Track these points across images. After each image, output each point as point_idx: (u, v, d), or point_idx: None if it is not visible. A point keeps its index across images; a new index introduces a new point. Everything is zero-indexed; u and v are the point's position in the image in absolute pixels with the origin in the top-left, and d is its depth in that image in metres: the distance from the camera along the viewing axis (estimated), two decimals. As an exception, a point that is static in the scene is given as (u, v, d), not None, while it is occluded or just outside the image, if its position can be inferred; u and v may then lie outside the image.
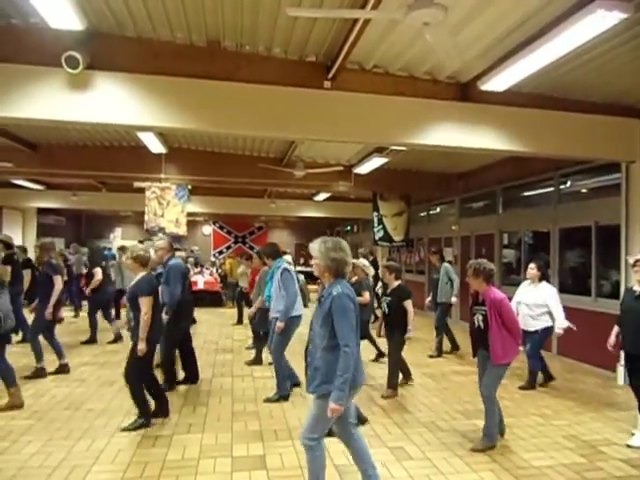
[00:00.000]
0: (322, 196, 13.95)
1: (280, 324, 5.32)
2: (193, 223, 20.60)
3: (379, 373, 6.13)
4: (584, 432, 4.66)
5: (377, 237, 12.21)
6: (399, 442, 4.35)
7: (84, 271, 10.84)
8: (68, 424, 4.61)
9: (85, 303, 9.34)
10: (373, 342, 7.15)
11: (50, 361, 6.29)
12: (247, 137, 8.60)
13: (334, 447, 3.81)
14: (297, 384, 5.63)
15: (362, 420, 4.39)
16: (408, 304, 5.67)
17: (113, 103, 4.96)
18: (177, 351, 5.97)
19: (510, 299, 4.91)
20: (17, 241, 11.12)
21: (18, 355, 7.02)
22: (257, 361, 7.08)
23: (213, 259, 20.58)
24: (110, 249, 16.65)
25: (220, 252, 22.77)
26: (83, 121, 5.12)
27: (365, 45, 4.87)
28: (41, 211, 16.35)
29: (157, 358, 5.85)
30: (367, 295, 6.46)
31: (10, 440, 4.21)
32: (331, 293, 3.01)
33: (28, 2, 3.96)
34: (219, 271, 16.12)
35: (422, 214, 13.68)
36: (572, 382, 6.40)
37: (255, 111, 5.28)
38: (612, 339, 4.67)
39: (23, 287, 7.70)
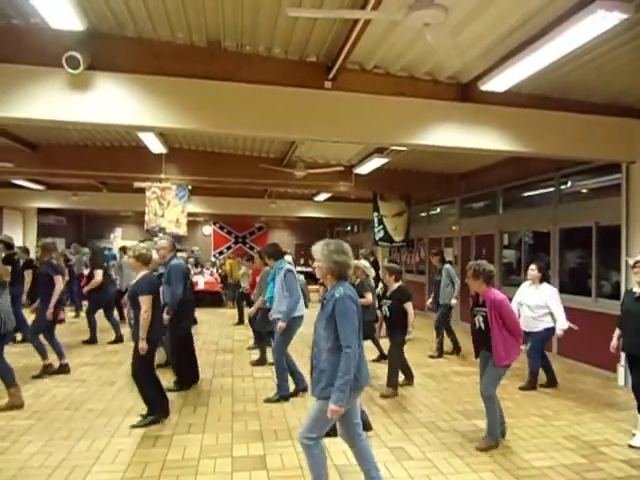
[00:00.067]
0: (322, 196, 13.95)
1: (282, 324, 5.32)
2: (193, 223, 20.60)
3: (379, 373, 6.12)
4: (584, 432, 4.66)
5: (377, 237, 12.21)
6: (399, 442, 4.35)
7: (85, 271, 10.84)
8: (68, 424, 4.61)
9: (86, 303, 9.34)
10: (376, 343, 7.15)
11: (50, 360, 6.28)
12: (247, 137, 8.60)
13: (334, 447, 3.82)
14: (304, 389, 5.56)
15: (367, 427, 4.38)
16: (408, 306, 5.68)
17: (114, 103, 4.96)
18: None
19: (510, 300, 4.91)
20: (17, 241, 11.12)
21: (18, 355, 7.03)
22: (262, 361, 7.08)
23: (213, 259, 20.57)
24: (110, 249, 16.66)
25: (220, 252, 22.76)
26: (83, 121, 5.13)
27: (366, 45, 4.87)
28: (41, 211, 16.35)
29: (159, 358, 5.88)
30: (369, 296, 6.47)
31: (10, 440, 4.21)
32: (333, 295, 3.02)
33: (28, 2, 3.96)
34: (219, 271, 16.12)
35: (422, 214, 13.67)
36: (572, 382, 6.40)
37: (255, 111, 5.28)
38: (614, 342, 4.68)
39: (23, 287, 7.70)
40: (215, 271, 16.34)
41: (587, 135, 6.01)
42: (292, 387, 5.56)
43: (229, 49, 5.27)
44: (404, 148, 7.68)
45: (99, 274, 8.42)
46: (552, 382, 6.12)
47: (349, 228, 21.31)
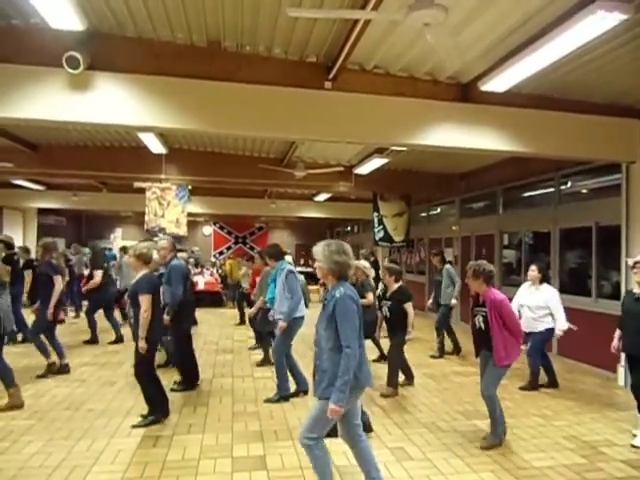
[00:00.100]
0: (322, 196, 13.96)
1: (282, 324, 5.33)
2: (193, 223, 20.60)
3: (380, 373, 6.12)
4: (584, 433, 4.66)
5: (377, 237, 12.21)
6: (399, 442, 4.35)
7: (85, 272, 10.85)
8: (68, 424, 4.61)
9: (86, 303, 9.34)
10: (377, 343, 7.16)
11: (53, 360, 6.28)
12: (247, 137, 8.60)
13: (334, 447, 3.80)
14: (305, 391, 5.57)
15: (368, 429, 4.37)
16: (408, 306, 5.69)
17: (114, 103, 4.96)
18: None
19: (510, 300, 4.91)
20: (17, 242, 11.12)
21: (19, 356, 7.03)
22: (266, 361, 7.06)
23: (213, 259, 20.58)
24: (111, 249, 16.66)
25: (220, 252, 22.76)
26: (83, 121, 5.13)
27: (366, 46, 4.87)
28: (41, 211, 16.36)
29: (159, 358, 5.88)
30: (371, 296, 6.47)
31: (10, 440, 4.21)
32: (334, 295, 3.04)
33: (28, 2, 3.96)
34: (219, 271, 16.13)
35: (422, 214, 13.68)
36: (572, 382, 6.40)
37: (255, 112, 5.28)
38: (615, 342, 4.68)
39: (23, 287, 7.71)
40: (215, 271, 16.35)
41: (587, 135, 6.01)
42: (293, 387, 5.57)
43: (229, 49, 5.27)
44: (404, 148, 7.68)
45: (98, 275, 8.42)
46: (553, 383, 6.12)
47: (349, 228, 21.31)
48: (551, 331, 5.85)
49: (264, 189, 13.78)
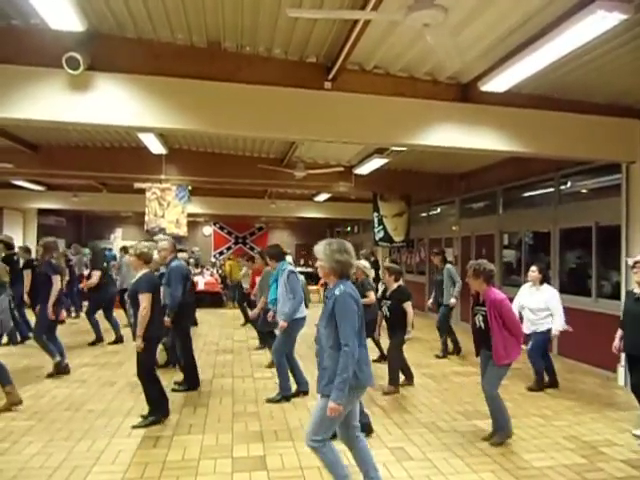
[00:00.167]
0: (322, 197, 13.95)
1: (283, 323, 5.33)
2: (194, 224, 20.60)
3: (380, 373, 6.12)
4: (585, 433, 4.66)
5: (377, 237, 12.21)
6: (399, 443, 4.35)
7: (85, 272, 10.85)
8: (68, 425, 4.61)
9: (86, 304, 9.34)
10: (377, 343, 7.16)
11: (50, 361, 6.28)
12: (247, 138, 8.59)
13: (334, 448, 3.81)
14: (305, 392, 5.57)
15: (369, 430, 4.38)
16: (408, 306, 5.71)
17: (114, 104, 4.96)
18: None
19: (511, 300, 4.92)
20: (17, 242, 11.12)
21: (19, 356, 7.04)
22: None
23: (213, 260, 20.58)
24: (111, 250, 16.66)
25: (221, 253, 22.76)
26: (84, 122, 5.13)
27: (365, 46, 4.87)
28: (41, 212, 16.36)
29: (159, 359, 5.88)
30: (372, 295, 6.48)
31: (11, 441, 4.21)
32: (334, 293, 3.05)
33: (28, 3, 3.96)
34: (219, 272, 16.13)
35: (422, 214, 13.68)
36: (572, 382, 6.40)
37: (255, 112, 5.28)
38: (617, 342, 4.68)
39: (23, 288, 7.70)
40: (215, 272, 16.35)
41: (587, 135, 6.01)
42: (294, 387, 5.57)
43: (229, 50, 5.27)
44: (404, 148, 7.68)
45: (96, 275, 8.42)
46: (553, 383, 6.12)
47: (349, 228, 21.31)
48: (551, 331, 5.85)
49: (264, 189, 13.78)
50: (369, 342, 6.56)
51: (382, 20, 4.29)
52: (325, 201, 14.64)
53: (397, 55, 5.20)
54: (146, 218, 11.02)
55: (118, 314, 8.79)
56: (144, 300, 4.42)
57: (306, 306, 5.92)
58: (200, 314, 10.60)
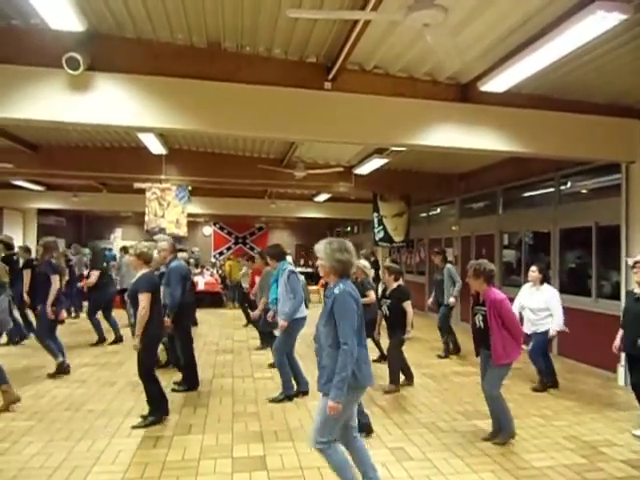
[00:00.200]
0: (322, 197, 13.96)
1: (283, 323, 5.33)
2: (194, 224, 20.60)
3: (380, 373, 6.12)
4: (585, 433, 4.66)
5: (377, 238, 12.21)
6: (399, 443, 4.34)
7: (85, 272, 10.85)
8: (68, 425, 4.61)
9: (86, 304, 9.34)
10: (377, 343, 7.16)
11: (50, 361, 6.29)
12: (247, 138, 8.60)
13: (334, 448, 3.81)
14: (305, 392, 5.57)
15: (369, 430, 4.38)
16: (407, 305, 5.71)
17: (113, 104, 4.96)
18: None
19: (511, 300, 4.91)
20: (17, 242, 11.12)
21: (18, 357, 7.04)
22: None
23: (213, 260, 20.58)
24: (111, 250, 16.66)
25: (220, 253, 22.77)
26: (83, 122, 5.13)
27: (365, 46, 4.87)
28: (41, 212, 16.36)
29: (160, 358, 5.88)
30: (372, 294, 6.48)
31: (11, 441, 4.21)
32: (333, 292, 3.05)
33: (28, 3, 3.96)
34: (219, 272, 16.13)
35: (422, 215, 13.68)
36: (572, 382, 6.40)
37: (255, 112, 5.28)
38: (617, 342, 4.68)
39: (22, 288, 7.71)
40: (215, 272, 16.35)
41: (587, 135, 6.01)
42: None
43: (229, 50, 5.27)
44: (404, 148, 7.68)
45: (94, 275, 8.43)
46: (554, 383, 6.12)
47: (349, 229, 21.31)
48: (552, 331, 5.86)
49: (264, 189, 13.78)
50: (369, 342, 6.61)
51: (382, 20, 4.29)
52: (325, 201, 14.64)
53: (397, 55, 5.20)
54: (146, 218, 11.02)
55: (118, 314, 8.79)
56: (143, 300, 4.43)
57: (306, 306, 5.92)
58: (200, 314, 10.60)
